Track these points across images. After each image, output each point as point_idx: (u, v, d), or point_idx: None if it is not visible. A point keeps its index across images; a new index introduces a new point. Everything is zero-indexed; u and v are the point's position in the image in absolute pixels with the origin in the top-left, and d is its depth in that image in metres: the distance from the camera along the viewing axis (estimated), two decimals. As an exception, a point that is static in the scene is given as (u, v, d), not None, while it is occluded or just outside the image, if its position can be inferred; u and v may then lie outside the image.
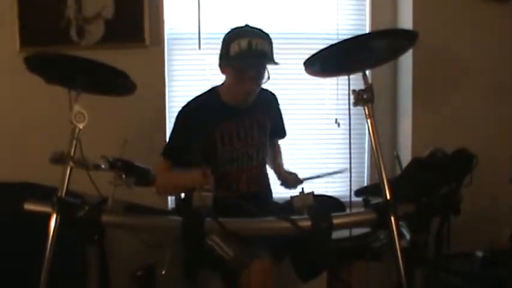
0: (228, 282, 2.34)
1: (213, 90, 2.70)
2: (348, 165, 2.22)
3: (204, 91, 2.72)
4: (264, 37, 2.49)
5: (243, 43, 2.43)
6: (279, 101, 2.87)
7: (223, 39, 2.56)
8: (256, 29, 2.52)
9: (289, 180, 2.78)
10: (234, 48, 2.45)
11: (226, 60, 2.52)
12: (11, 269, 2.68)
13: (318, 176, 2.78)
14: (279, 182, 2.84)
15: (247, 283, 2.12)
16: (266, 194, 2.81)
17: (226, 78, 2.62)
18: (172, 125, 2.68)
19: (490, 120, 3.36)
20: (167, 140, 2.71)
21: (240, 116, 2.63)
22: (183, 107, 2.65)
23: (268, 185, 2.85)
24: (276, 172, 2.90)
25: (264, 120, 2.74)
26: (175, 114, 3.26)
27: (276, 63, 2.48)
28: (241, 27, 2.54)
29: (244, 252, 2.06)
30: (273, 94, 2.83)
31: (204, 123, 2.53)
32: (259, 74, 2.52)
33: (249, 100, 2.60)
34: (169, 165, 2.58)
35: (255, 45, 2.44)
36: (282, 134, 2.97)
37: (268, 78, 2.54)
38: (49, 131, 2.93)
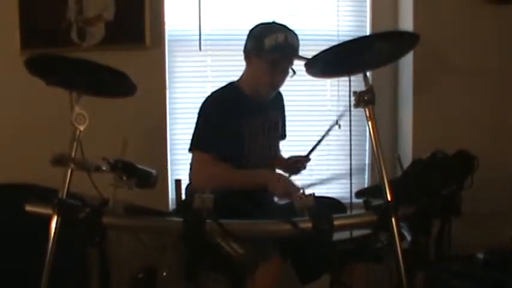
0: (235, 282, 2.34)
1: (232, 85, 2.72)
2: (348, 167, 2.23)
3: (221, 86, 2.72)
4: (295, 34, 2.58)
5: (280, 37, 2.51)
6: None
7: (254, 33, 2.62)
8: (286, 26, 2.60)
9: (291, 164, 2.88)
10: (270, 41, 2.51)
11: (259, 52, 2.56)
12: (11, 269, 2.68)
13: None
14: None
15: (258, 283, 2.12)
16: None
17: (253, 70, 2.64)
18: (199, 119, 2.59)
19: (491, 122, 3.36)
20: (197, 135, 2.57)
21: (262, 110, 2.69)
22: (208, 99, 2.62)
23: None
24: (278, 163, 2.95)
25: (277, 116, 2.83)
26: (177, 115, 3.28)
27: (308, 59, 2.54)
28: (272, 23, 2.62)
29: (254, 251, 2.06)
30: (280, 93, 2.87)
31: (231, 116, 2.54)
32: (288, 67, 2.60)
33: (274, 92, 2.70)
34: (211, 158, 2.48)
35: (290, 39, 2.54)
36: (284, 135, 3.01)
37: (294, 73, 2.60)
38: (50, 133, 2.93)
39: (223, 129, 2.49)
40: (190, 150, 2.58)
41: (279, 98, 2.88)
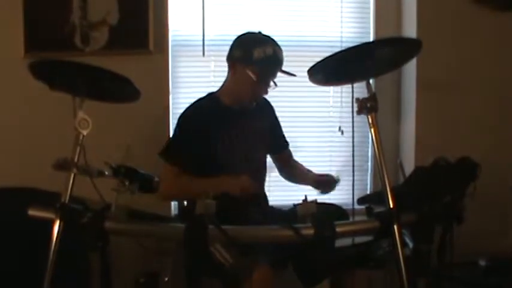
0: None
1: (211, 96, 2.72)
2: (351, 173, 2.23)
3: (200, 97, 2.73)
4: (281, 48, 2.58)
5: (268, 50, 2.51)
6: (280, 109, 2.90)
7: (241, 42, 2.62)
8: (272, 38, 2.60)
9: (325, 181, 2.79)
10: (258, 53, 2.51)
11: (246, 62, 2.55)
12: (14, 273, 2.68)
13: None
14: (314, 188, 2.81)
15: None
16: (264, 198, 2.82)
17: (237, 79, 2.63)
18: (174, 131, 2.63)
19: (494, 129, 3.35)
20: (169, 144, 2.61)
21: (242, 119, 2.67)
22: (184, 112, 2.64)
23: (264, 190, 2.86)
24: (308, 179, 2.85)
25: (262, 125, 2.79)
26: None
27: (294, 75, 2.59)
28: (259, 33, 2.62)
29: (244, 259, 2.06)
30: (269, 102, 2.86)
31: (208, 127, 2.55)
32: (272, 80, 2.60)
33: (254, 103, 2.68)
34: (176, 169, 2.49)
35: (278, 53, 2.55)
36: (286, 143, 2.99)
37: (276, 85, 2.61)
38: (53, 137, 2.93)
39: (196, 140, 2.50)
40: (159, 154, 2.57)
41: (266, 106, 2.87)
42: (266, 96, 2.73)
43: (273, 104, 2.90)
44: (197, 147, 2.50)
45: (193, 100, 2.69)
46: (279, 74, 2.60)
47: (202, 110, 2.62)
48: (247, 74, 2.54)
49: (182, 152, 2.52)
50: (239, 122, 2.66)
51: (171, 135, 3.28)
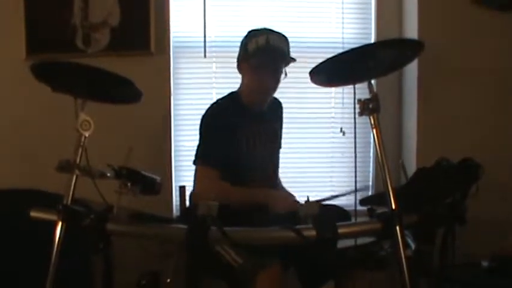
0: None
1: (233, 94, 2.69)
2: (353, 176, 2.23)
3: (224, 95, 2.71)
4: (281, 35, 2.56)
5: (261, 39, 2.50)
6: (284, 110, 2.90)
7: (241, 41, 2.62)
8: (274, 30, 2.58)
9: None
10: (251, 45, 2.52)
11: (244, 59, 2.56)
12: (16, 274, 2.68)
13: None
14: None
15: None
16: None
17: (244, 77, 2.63)
18: (201, 132, 2.58)
19: (496, 130, 3.35)
20: (201, 147, 2.55)
21: (260, 120, 2.66)
22: (208, 112, 2.59)
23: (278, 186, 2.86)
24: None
25: (275, 125, 2.81)
26: (181, 122, 3.28)
27: (293, 60, 2.55)
28: (257, 29, 2.60)
29: (253, 260, 2.05)
30: (280, 102, 2.84)
31: (232, 125, 2.52)
32: (276, 69, 2.57)
33: (268, 98, 2.66)
34: (214, 174, 2.44)
35: (272, 41, 2.51)
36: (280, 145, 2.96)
37: (286, 75, 2.59)
38: (55, 139, 2.93)
39: (223, 141, 2.47)
40: (194, 162, 2.55)
41: (278, 107, 2.85)
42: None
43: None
44: (225, 144, 2.48)
45: (194, 101, 2.69)
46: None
47: (223, 109, 2.60)
48: (248, 70, 2.56)
49: (217, 152, 2.47)
50: (258, 122, 2.65)
51: (173, 136, 3.30)
